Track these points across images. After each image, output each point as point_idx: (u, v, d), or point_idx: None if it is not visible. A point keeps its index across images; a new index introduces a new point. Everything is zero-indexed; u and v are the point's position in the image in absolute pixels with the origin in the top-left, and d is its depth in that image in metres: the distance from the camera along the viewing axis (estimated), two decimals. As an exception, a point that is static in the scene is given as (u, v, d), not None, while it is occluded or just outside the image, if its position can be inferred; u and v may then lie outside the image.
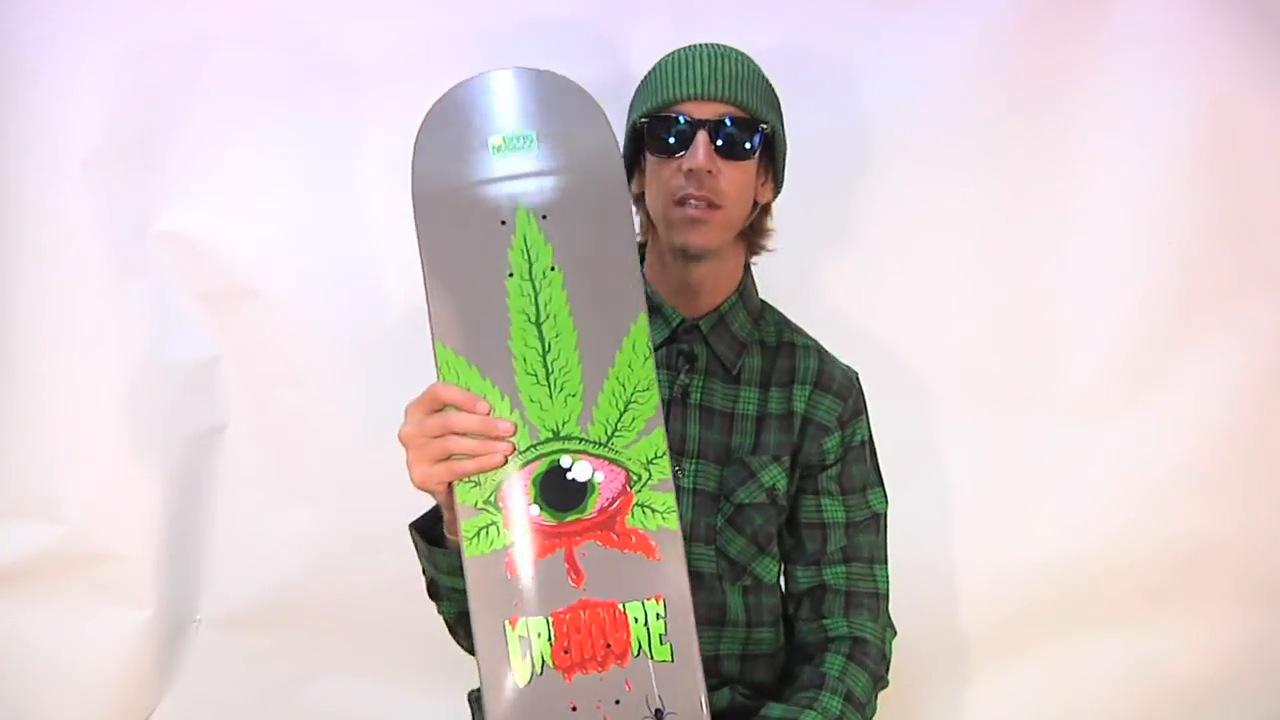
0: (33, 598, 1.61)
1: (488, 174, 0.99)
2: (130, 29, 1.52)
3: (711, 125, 1.13)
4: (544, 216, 0.99)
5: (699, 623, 0.99)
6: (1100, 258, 1.59)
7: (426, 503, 1.12)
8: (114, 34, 1.51)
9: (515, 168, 0.99)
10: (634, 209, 1.25)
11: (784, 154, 1.23)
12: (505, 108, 1.00)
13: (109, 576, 1.61)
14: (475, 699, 1.32)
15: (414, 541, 1.12)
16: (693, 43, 1.21)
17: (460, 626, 1.16)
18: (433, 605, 1.18)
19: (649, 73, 1.21)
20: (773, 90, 1.21)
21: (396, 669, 1.66)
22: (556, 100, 1.00)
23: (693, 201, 1.13)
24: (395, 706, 1.67)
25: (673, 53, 1.20)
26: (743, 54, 1.19)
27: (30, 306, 1.57)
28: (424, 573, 1.15)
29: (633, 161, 1.22)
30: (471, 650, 1.16)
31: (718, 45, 1.19)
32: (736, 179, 1.15)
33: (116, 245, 1.56)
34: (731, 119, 1.13)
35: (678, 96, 1.14)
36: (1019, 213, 1.59)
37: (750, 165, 1.16)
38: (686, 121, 1.13)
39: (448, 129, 0.99)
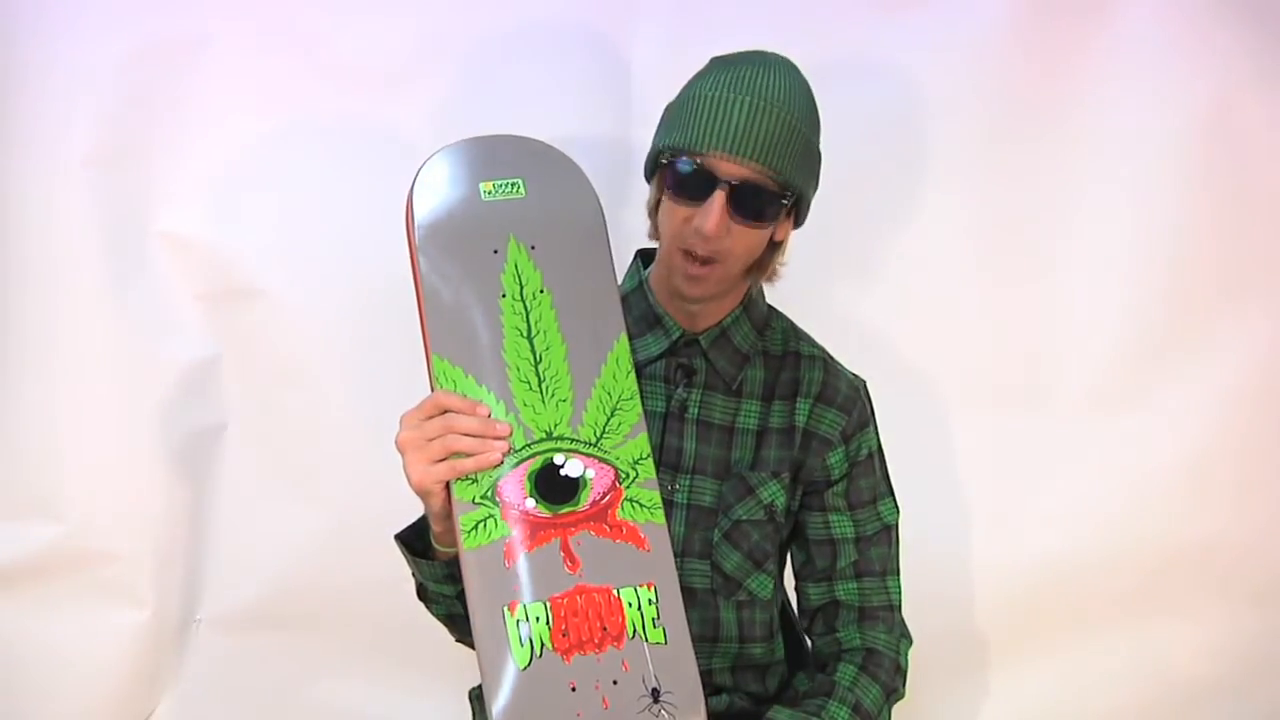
0: (33, 598, 1.61)
1: (481, 211, 1.07)
2: (130, 29, 1.52)
3: (732, 187, 1.06)
4: (532, 247, 1.07)
5: (691, 639, 1.01)
6: (1100, 260, 1.59)
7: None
8: (114, 34, 1.52)
9: (506, 207, 1.07)
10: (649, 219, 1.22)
11: (813, 195, 1.15)
12: (495, 160, 1.09)
13: (109, 576, 1.61)
14: (476, 697, 1.32)
15: (401, 551, 1.14)
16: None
17: (450, 625, 1.19)
18: (429, 604, 1.20)
19: (688, 97, 1.11)
20: (811, 139, 1.11)
21: (397, 669, 1.66)
22: (541, 158, 1.10)
23: (694, 252, 1.09)
24: (395, 706, 1.67)
25: (717, 84, 1.09)
26: (791, 96, 1.08)
27: (30, 306, 1.57)
28: (413, 576, 1.16)
29: (654, 168, 1.15)
30: (463, 642, 1.17)
31: (765, 87, 1.07)
32: (747, 239, 1.10)
33: (116, 245, 1.56)
34: (755, 184, 1.06)
35: (705, 148, 1.06)
36: (1019, 216, 1.59)
37: (765, 228, 1.11)
38: (707, 177, 1.06)
39: (443, 175, 1.07)
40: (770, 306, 1.27)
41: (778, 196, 1.08)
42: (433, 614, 1.19)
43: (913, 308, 1.61)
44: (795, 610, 1.32)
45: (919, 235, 1.59)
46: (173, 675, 1.66)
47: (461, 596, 1.05)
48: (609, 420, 1.05)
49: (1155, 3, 1.54)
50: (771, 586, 1.23)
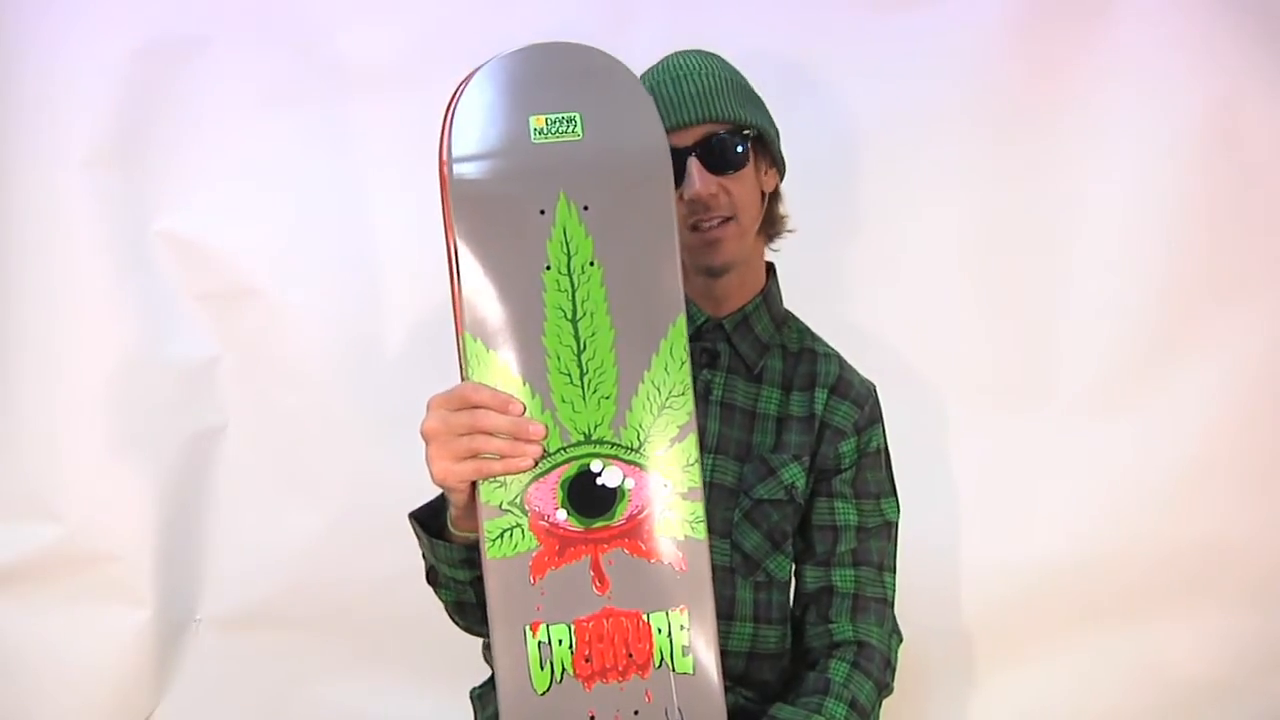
0: (33, 598, 1.61)
1: (529, 158, 0.91)
2: (130, 29, 1.52)
3: (697, 149, 1.13)
4: (586, 207, 0.92)
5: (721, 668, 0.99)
6: (1098, 260, 1.60)
7: (426, 498, 1.12)
8: (114, 34, 1.51)
9: (558, 152, 0.91)
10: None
11: (777, 139, 1.22)
12: (550, 85, 0.91)
13: (109, 576, 1.61)
14: (477, 697, 1.33)
15: (415, 531, 1.11)
16: (677, 49, 1.20)
17: (458, 613, 1.15)
18: (433, 601, 1.18)
19: None
20: (745, 85, 1.19)
21: (396, 669, 1.66)
22: (604, 81, 0.93)
23: (705, 224, 1.14)
24: (395, 706, 1.67)
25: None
26: (705, 60, 1.18)
27: (30, 306, 1.56)
28: (424, 558, 1.14)
29: None
30: (470, 631, 1.16)
31: (678, 63, 1.17)
32: (739, 188, 1.15)
33: (116, 245, 1.56)
34: (714, 136, 1.13)
35: None
36: (1018, 216, 1.60)
37: (747, 170, 1.17)
38: (673, 152, 1.04)
39: (487, 105, 0.91)
40: (788, 310, 1.30)
41: (737, 134, 1.14)
42: (441, 599, 1.15)
43: (909, 308, 1.61)
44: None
45: (916, 237, 1.60)
46: (173, 675, 1.66)
47: (475, 583, 1.01)
48: (655, 420, 0.95)
49: (1154, 4, 1.55)
50: (790, 569, 1.25)
